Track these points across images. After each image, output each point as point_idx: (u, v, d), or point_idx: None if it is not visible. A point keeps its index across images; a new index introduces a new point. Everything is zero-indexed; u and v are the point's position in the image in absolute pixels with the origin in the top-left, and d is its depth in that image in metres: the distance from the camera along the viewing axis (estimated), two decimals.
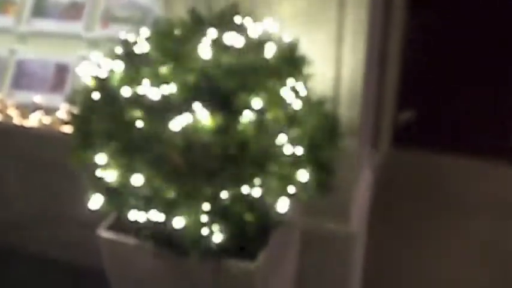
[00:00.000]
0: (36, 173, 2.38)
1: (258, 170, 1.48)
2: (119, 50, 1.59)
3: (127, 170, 1.50)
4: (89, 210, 1.58)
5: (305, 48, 1.65)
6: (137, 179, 1.48)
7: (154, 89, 1.45)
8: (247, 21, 1.63)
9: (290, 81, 1.57)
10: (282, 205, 1.53)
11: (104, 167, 1.53)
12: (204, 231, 1.49)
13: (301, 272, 2.01)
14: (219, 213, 1.48)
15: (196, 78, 1.45)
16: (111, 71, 1.54)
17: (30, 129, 2.34)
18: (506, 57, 3.28)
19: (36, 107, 2.40)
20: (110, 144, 1.51)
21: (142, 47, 1.55)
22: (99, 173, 1.54)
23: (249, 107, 1.46)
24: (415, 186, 2.98)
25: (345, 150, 1.73)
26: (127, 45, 1.59)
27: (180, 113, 1.43)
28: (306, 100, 1.62)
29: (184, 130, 1.43)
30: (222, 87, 1.45)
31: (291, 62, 1.60)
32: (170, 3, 1.97)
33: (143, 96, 1.46)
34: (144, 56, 1.53)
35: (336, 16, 1.83)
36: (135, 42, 1.58)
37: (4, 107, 2.42)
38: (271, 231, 1.66)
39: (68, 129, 2.22)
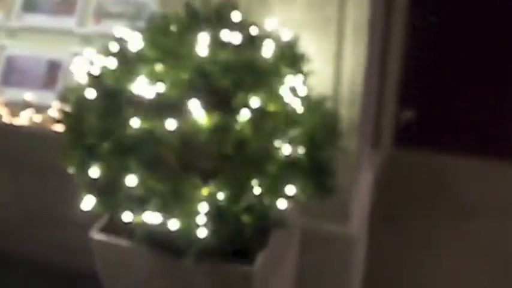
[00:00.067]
0: (27, 173, 2.37)
1: (256, 171, 1.47)
2: (112, 46, 1.58)
3: (120, 170, 1.49)
4: (81, 211, 1.58)
5: (305, 46, 1.65)
6: (131, 180, 1.47)
7: (149, 86, 1.45)
8: (245, 18, 1.62)
9: (289, 80, 1.57)
10: (281, 206, 1.53)
11: (97, 167, 1.52)
12: (201, 232, 1.48)
13: (301, 274, 2.01)
14: (216, 215, 1.48)
15: (192, 75, 1.45)
16: (105, 69, 1.54)
17: (21, 127, 2.33)
18: (506, 57, 3.31)
19: (26, 105, 2.39)
20: (103, 143, 1.50)
21: (136, 44, 1.54)
22: (91, 173, 1.54)
23: (247, 106, 1.46)
24: (417, 186, 2.99)
25: (345, 150, 1.73)
26: (121, 41, 1.58)
27: (176, 111, 1.43)
28: (305, 99, 1.62)
29: (180, 129, 1.43)
30: (219, 85, 1.45)
31: (290, 59, 1.59)
32: None
33: (137, 94, 1.45)
34: (138, 53, 1.53)
35: (337, 13, 1.83)
36: (129, 39, 1.57)
37: None
38: (270, 233, 1.65)
39: (59, 128, 2.21)
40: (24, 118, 2.35)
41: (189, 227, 1.47)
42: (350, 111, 1.95)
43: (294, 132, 1.53)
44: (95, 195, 1.57)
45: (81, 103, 1.56)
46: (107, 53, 1.58)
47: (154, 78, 1.45)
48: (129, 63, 1.51)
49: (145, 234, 1.57)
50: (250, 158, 1.46)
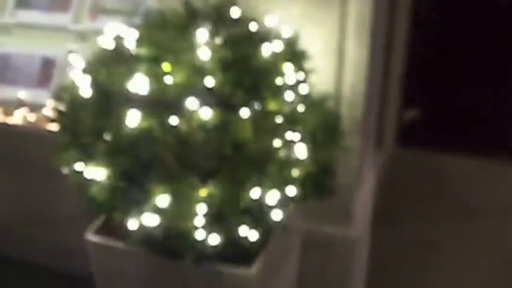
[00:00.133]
0: (20, 173, 2.36)
1: (256, 171, 1.47)
2: (108, 43, 1.58)
3: (116, 171, 1.49)
4: (77, 212, 1.58)
5: (306, 43, 1.65)
6: (127, 180, 1.47)
7: (146, 85, 1.45)
8: (245, 14, 1.62)
9: (290, 78, 1.57)
10: (281, 208, 1.53)
11: (92, 167, 1.52)
12: (199, 234, 1.48)
13: (302, 276, 2.01)
14: (215, 216, 1.48)
15: (190, 73, 1.45)
16: (100, 66, 1.53)
17: (15, 127, 2.33)
18: (509, 57, 3.33)
19: (20, 104, 2.39)
20: (99, 143, 1.50)
21: (133, 41, 1.54)
22: (87, 173, 1.54)
23: (247, 105, 1.46)
24: (420, 187, 2.99)
25: (347, 150, 1.73)
26: (117, 39, 1.58)
27: (173, 110, 1.43)
28: (307, 97, 1.62)
29: (178, 128, 1.43)
30: (218, 84, 1.45)
31: (291, 57, 1.59)
32: None
33: (134, 92, 1.45)
34: (135, 50, 1.53)
35: (339, 9, 1.83)
36: (126, 36, 1.57)
37: None
38: (270, 235, 1.65)
39: (54, 127, 2.21)
40: (18, 117, 2.35)
41: (188, 229, 1.47)
42: (352, 109, 1.95)
43: (295, 131, 1.53)
44: (90, 196, 1.57)
45: (76, 102, 1.56)
46: (103, 50, 1.58)
47: (152, 76, 1.45)
48: (125, 60, 1.51)
49: (142, 236, 1.57)
50: (250, 158, 1.46)
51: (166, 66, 1.45)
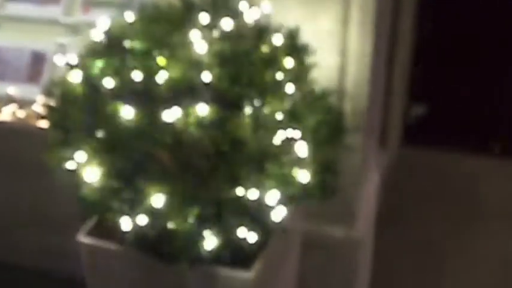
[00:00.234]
0: (9, 172, 2.36)
1: (255, 170, 1.47)
2: (101, 37, 1.58)
3: (110, 169, 1.49)
4: (68, 213, 1.58)
5: (307, 35, 1.64)
6: (121, 180, 1.47)
7: (140, 80, 1.44)
8: (243, 5, 1.62)
9: (290, 72, 1.57)
10: (281, 208, 1.53)
11: (84, 165, 1.52)
12: (195, 236, 1.48)
13: (303, 278, 2.01)
14: (212, 217, 1.48)
15: (186, 68, 1.45)
16: (92, 61, 1.53)
17: (3, 123, 2.33)
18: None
19: (9, 100, 2.39)
20: (91, 140, 1.50)
21: (126, 34, 1.54)
22: (78, 172, 1.54)
23: (245, 100, 1.45)
24: (426, 187, 3.00)
25: (350, 148, 1.73)
26: (110, 32, 1.58)
27: (169, 106, 1.43)
28: (308, 93, 1.62)
29: (174, 125, 1.43)
30: (215, 79, 1.44)
31: (292, 50, 1.59)
32: None
33: (128, 87, 1.45)
34: (128, 44, 1.52)
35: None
36: (119, 29, 1.57)
37: None
38: (270, 236, 1.65)
39: (44, 123, 2.21)
40: (7, 113, 2.35)
41: (184, 230, 1.47)
42: (355, 106, 1.95)
43: (296, 128, 1.53)
44: (82, 196, 1.57)
45: (67, 98, 1.56)
46: (96, 44, 1.57)
47: (146, 71, 1.45)
48: (118, 54, 1.51)
49: (136, 237, 1.57)
50: (249, 156, 1.46)
51: (161, 60, 1.45)
